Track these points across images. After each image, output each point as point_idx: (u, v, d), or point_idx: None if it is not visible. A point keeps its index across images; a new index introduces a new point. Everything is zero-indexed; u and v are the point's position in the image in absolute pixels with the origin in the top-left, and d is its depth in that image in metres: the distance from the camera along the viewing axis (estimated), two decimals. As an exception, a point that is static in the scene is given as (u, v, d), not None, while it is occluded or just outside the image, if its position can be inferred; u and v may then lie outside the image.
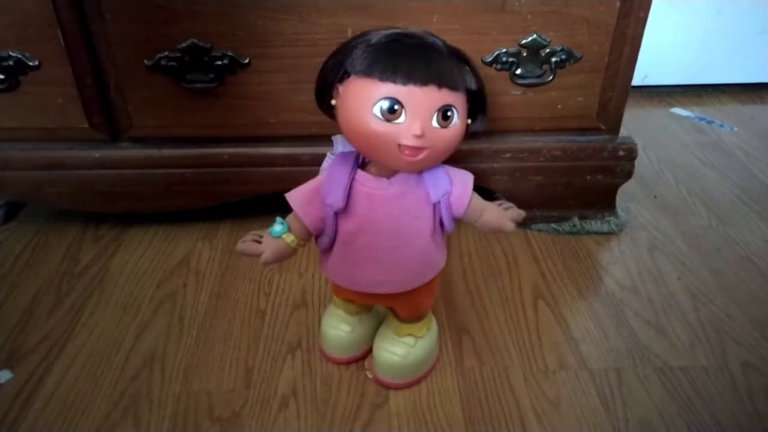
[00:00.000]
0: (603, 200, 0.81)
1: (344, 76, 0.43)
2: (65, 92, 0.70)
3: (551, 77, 0.71)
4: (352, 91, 0.42)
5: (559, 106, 0.73)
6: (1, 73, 0.68)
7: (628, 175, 0.78)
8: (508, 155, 0.76)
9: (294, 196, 0.48)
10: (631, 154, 0.77)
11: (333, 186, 0.46)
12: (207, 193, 0.77)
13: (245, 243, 0.48)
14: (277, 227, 0.48)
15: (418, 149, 0.42)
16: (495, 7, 0.66)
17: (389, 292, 0.51)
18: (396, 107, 0.41)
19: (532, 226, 0.81)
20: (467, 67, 0.44)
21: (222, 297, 0.70)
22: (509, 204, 0.53)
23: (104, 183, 0.76)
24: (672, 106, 1.22)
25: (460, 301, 0.69)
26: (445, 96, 0.41)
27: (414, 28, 0.44)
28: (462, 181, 0.49)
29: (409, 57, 0.40)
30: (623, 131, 0.77)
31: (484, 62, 0.69)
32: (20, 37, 0.67)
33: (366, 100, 0.41)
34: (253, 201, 0.79)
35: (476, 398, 0.57)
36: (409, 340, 0.56)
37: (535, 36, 0.68)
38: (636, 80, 0.79)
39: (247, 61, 0.68)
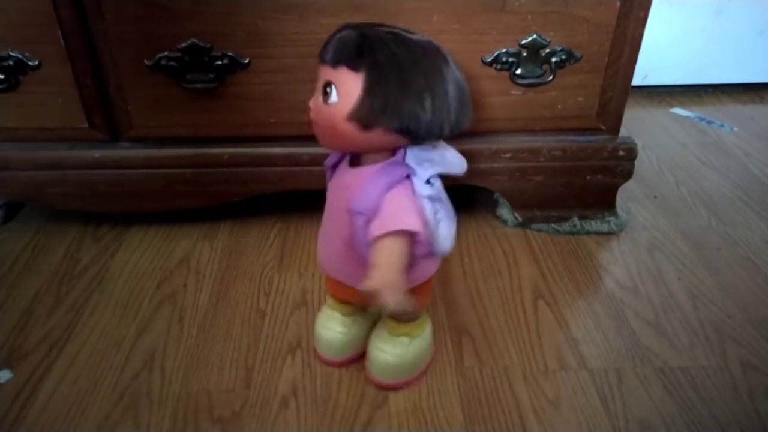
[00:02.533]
0: (603, 200, 0.81)
1: None
2: (65, 92, 0.70)
3: (551, 77, 0.71)
4: None
5: (559, 106, 0.73)
6: (1, 73, 0.68)
7: (628, 175, 0.78)
8: (508, 155, 0.76)
9: None
10: (631, 154, 0.77)
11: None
12: (207, 193, 0.77)
13: None
14: None
15: (313, 121, 0.46)
16: (495, 7, 0.66)
17: (325, 268, 0.54)
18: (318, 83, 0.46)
19: (532, 226, 0.81)
20: (365, 53, 0.43)
21: (222, 297, 0.70)
22: (407, 302, 0.45)
23: (104, 183, 0.76)
24: (672, 106, 1.22)
25: (460, 301, 0.69)
26: (327, 72, 0.44)
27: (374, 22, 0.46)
28: (384, 219, 0.45)
29: (328, 42, 0.45)
30: (623, 131, 0.77)
31: (484, 62, 0.69)
32: (20, 37, 0.67)
33: None
34: (253, 201, 0.79)
35: (476, 398, 0.57)
36: (405, 339, 0.56)
37: (535, 36, 0.68)
38: (636, 80, 0.79)
39: (247, 61, 0.68)
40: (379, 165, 0.47)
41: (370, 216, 0.45)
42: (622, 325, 0.66)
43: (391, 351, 0.56)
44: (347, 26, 0.45)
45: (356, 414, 0.55)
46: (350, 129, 0.44)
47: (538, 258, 0.77)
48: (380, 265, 0.45)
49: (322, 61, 0.45)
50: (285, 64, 0.69)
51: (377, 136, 0.45)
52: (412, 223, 0.45)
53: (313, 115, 0.46)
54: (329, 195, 0.52)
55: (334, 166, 0.52)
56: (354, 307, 0.58)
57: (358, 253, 0.48)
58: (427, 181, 0.48)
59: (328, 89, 0.44)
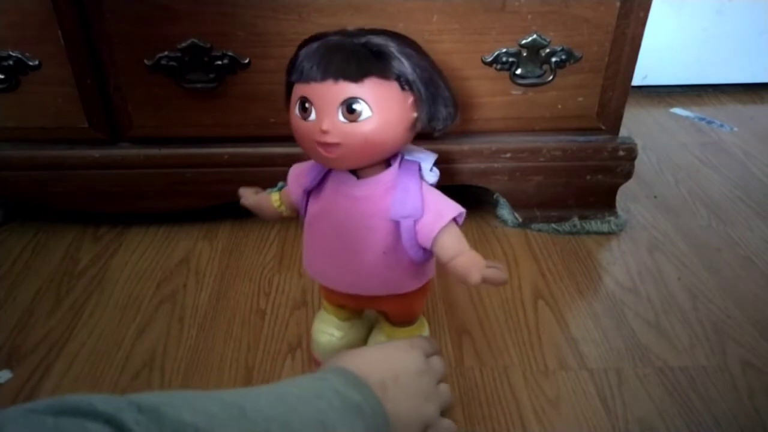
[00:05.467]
0: (603, 200, 0.81)
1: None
2: (65, 92, 0.70)
3: (551, 77, 0.71)
4: (291, 97, 0.45)
5: (559, 106, 0.73)
6: (1, 73, 0.68)
7: (628, 175, 0.78)
8: (508, 155, 0.76)
9: (292, 169, 0.52)
10: (631, 154, 0.77)
11: (314, 169, 0.49)
12: (207, 193, 0.78)
13: (244, 189, 0.56)
14: (273, 188, 0.55)
15: (331, 145, 0.42)
16: (495, 7, 0.66)
17: (333, 287, 0.51)
18: (306, 105, 0.42)
19: (532, 226, 0.81)
20: (389, 58, 0.42)
21: (222, 297, 0.70)
22: (495, 264, 0.45)
23: (104, 183, 0.76)
24: (672, 106, 1.22)
25: (460, 301, 0.69)
26: (345, 88, 0.41)
27: (352, 28, 0.44)
28: (437, 210, 0.45)
29: (315, 57, 0.42)
30: (623, 131, 0.77)
31: (484, 62, 0.69)
32: (20, 37, 0.67)
33: (293, 102, 0.44)
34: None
35: (476, 398, 0.57)
36: None
37: (535, 36, 0.68)
38: (636, 80, 0.79)
39: (247, 61, 0.68)
40: (394, 168, 0.46)
41: (419, 215, 0.45)
42: (622, 325, 0.66)
43: None
44: (313, 39, 0.43)
45: (356, 414, 0.55)
46: (391, 138, 0.43)
47: (538, 258, 0.77)
48: (464, 251, 0.45)
49: (316, 80, 0.41)
50: (285, 64, 0.68)
51: (411, 136, 0.45)
52: (458, 206, 0.46)
53: (333, 138, 0.42)
54: (328, 217, 0.48)
55: (309, 191, 0.49)
56: (350, 311, 0.57)
57: (396, 259, 0.48)
58: (430, 170, 0.48)
59: (354, 106, 0.41)
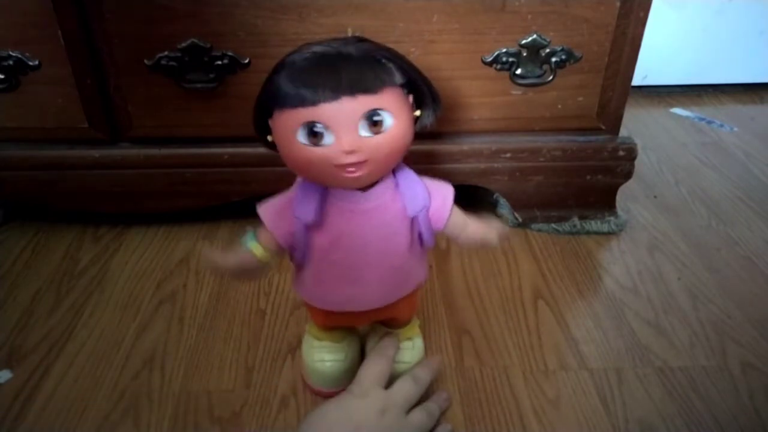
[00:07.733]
0: (603, 200, 0.81)
1: (271, 113, 0.42)
2: (65, 92, 0.70)
3: (551, 77, 0.71)
4: (277, 126, 0.42)
5: (559, 106, 0.73)
6: (1, 73, 0.68)
7: (628, 175, 0.78)
8: (508, 155, 0.76)
9: (264, 209, 0.47)
10: (631, 154, 0.77)
11: (305, 199, 0.45)
12: (207, 193, 0.77)
13: (210, 250, 0.48)
14: (245, 239, 0.48)
15: (357, 164, 0.40)
16: (495, 7, 0.66)
17: (362, 309, 0.49)
18: (316, 129, 0.39)
19: (532, 226, 0.81)
20: (389, 63, 0.41)
21: (222, 297, 0.70)
22: (492, 220, 0.51)
23: (104, 183, 0.76)
24: (672, 106, 1.22)
25: (460, 301, 0.69)
26: (364, 102, 0.39)
27: (332, 38, 0.42)
28: (442, 194, 0.48)
29: (313, 75, 0.39)
30: (623, 131, 0.77)
31: (484, 62, 0.69)
32: (20, 37, 0.67)
33: (289, 131, 0.40)
34: (253, 201, 0.78)
35: (476, 398, 0.57)
36: (408, 343, 0.57)
37: (535, 36, 0.68)
38: (636, 80, 0.79)
39: (247, 61, 0.68)
40: (390, 173, 0.46)
41: (429, 203, 0.47)
42: (622, 325, 0.66)
43: (408, 360, 0.56)
44: (282, 64, 0.41)
45: (356, 414, 0.55)
46: (409, 141, 0.42)
47: (538, 258, 0.77)
48: (469, 221, 0.50)
49: (326, 100, 0.38)
50: (285, 64, 0.68)
51: None
52: (447, 183, 0.49)
53: (360, 156, 0.39)
54: (345, 241, 0.46)
55: (307, 224, 0.45)
56: (345, 330, 0.56)
57: (412, 253, 0.49)
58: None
59: (376, 118, 0.39)
